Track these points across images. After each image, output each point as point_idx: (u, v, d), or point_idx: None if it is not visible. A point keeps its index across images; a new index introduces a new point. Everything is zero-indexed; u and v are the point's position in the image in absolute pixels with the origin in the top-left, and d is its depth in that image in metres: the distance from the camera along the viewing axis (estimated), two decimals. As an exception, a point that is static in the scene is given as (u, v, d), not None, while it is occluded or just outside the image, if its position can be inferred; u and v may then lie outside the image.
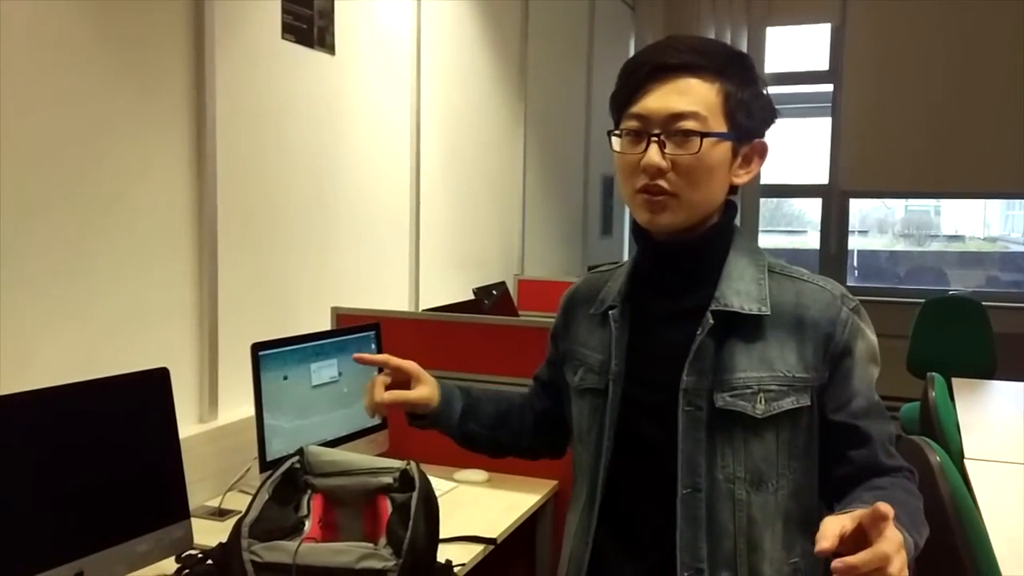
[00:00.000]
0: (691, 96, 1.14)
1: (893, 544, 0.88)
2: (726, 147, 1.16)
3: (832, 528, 0.88)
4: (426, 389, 1.29)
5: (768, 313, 1.16)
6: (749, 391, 1.14)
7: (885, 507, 0.88)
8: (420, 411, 1.31)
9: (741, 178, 1.20)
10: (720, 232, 1.22)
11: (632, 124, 1.17)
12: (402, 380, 1.29)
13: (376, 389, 1.26)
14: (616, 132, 1.20)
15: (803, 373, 1.15)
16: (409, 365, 1.29)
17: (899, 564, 0.88)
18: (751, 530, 1.15)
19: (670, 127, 1.14)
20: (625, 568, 1.22)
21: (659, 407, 1.17)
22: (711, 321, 1.16)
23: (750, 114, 1.17)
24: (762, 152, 1.21)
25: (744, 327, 1.16)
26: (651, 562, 1.18)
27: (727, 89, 1.15)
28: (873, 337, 1.19)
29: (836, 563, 0.86)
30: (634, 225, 1.24)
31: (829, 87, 5.84)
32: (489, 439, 1.41)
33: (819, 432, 1.18)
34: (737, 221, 1.27)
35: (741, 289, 1.18)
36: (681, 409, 1.16)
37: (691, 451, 1.15)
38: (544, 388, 1.45)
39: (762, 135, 1.21)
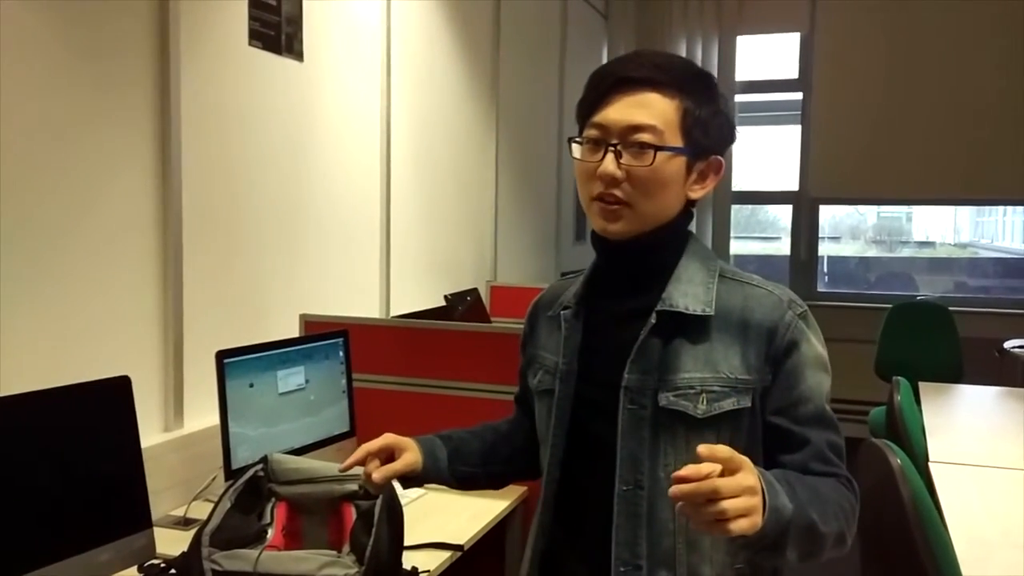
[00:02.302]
0: (650, 110, 1.17)
1: (732, 484, 0.92)
2: (680, 162, 1.20)
3: (691, 468, 0.92)
4: (409, 455, 1.28)
5: (712, 314, 1.19)
6: (692, 391, 1.16)
7: (703, 448, 0.93)
8: (410, 475, 1.30)
9: (696, 193, 1.24)
10: (673, 236, 1.25)
11: (592, 133, 1.21)
12: (386, 455, 1.28)
13: (372, 476, 1.24)
14: (577, 140, 1.24)
15: (745, 375, 1.17)
16: (384, 441, 1.27)
17: (738, 504, 0.92)
18: (690, 529, 1.16)
19: (627, 138, 1.17)
20: (575, 565, 1.24)
21: (606, 406, 1.20)
22: (653, 320, 1.19)
23: (707, 132, 1.21)
24: (717, 169, 1.24)
25: (690, 328, 1.19)
26: (599, 559, 1.19)
27: (686, 106, 1.19)
28: (820, 345, 1.21)
29: (672, 489, 0.92)
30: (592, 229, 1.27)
31: (799, 95, 5.91)
32: (484, 475, 1.41)
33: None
34: (709, 227, 1.29)
35: (689, 291, 1.20)
36: (623, 407, 1.18)
37: (634, 449, 1.18)
38: (524, 406, 1.46)
39: (719, 153, 1.24)
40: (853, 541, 1.17)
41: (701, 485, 0.91)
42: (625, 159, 1.17)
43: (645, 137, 1.16)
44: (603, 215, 1.20)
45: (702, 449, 0.93)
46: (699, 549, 1.17)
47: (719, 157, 1.24)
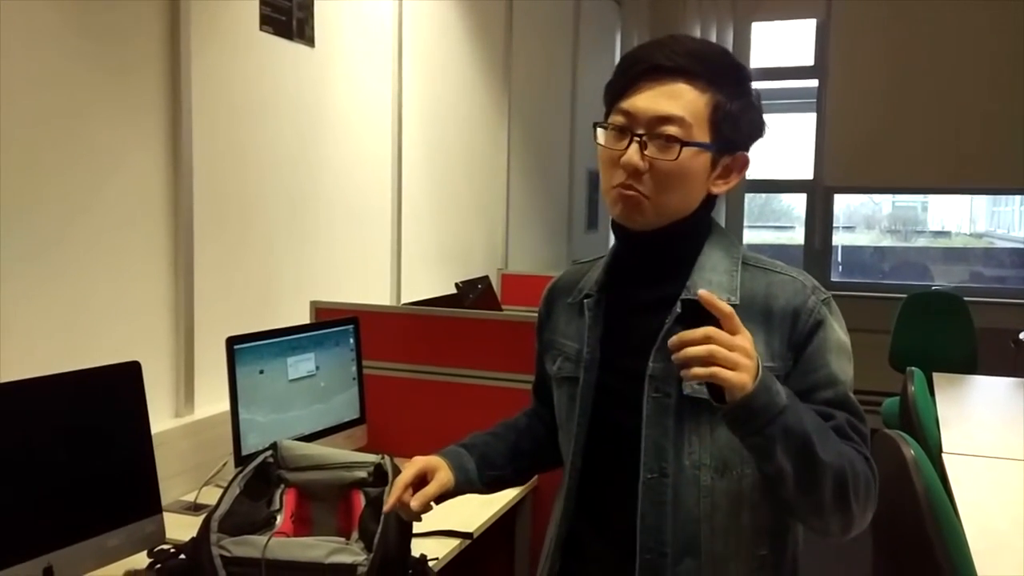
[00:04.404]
0: (680, 101, 1.15)
1: (725, 336, 0.98)
2: (706, 157, 1.17)
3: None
4: (441, 474, 1.27)
5: (737, 303, 1.17)
6: None
7: (704, 293, 1.00)
8: (444, 494, 1.28)
9: (719, 188, 1.22)
10: (695, 225, 1.23)
11: (618, 120, 1.18)
12: (419, 481, 1.26)
13: (410, 505, 1.22)
14: (602, 125, 1.22)
15: (769, 362, 1.15)
16: (415, 470, 1.25)
17: (728, 354, 0.98)
18: (715, 516, 1.16)
19: (654, 129, 1.15)
20: (599, 552, 1.24)
21: (630, 394, 1.19)
22: (679, 310, 1.17)
23: (736, 127, 1.18)
24: (743, 165, 1.22)
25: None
26: (623, 546, 1.18)
27: (717, 99, 1.16)
28: (843, 332, 1.19)
29: (672, 338, 1.00)
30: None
31: (814, 82, 5.86)
32: (513, 474, 1.40)
33: None
34: (723, 216, 1.27)
35: (713, 280, 1.19)
36: (647, 395, 1.17)
37: (658, 437, 1.17)
38: (542, 395, 1.44)
39: (746, 148, 1.22)
40: (865, 531, 1.15)
41: (697, 330, 0.98)
42: (650, 151, 1.15)
43: (672, 130, 1.14)
44: (622, 204, 1.18)
45: (703, 293, 1.00)
46: (723, 537, 1.16)
47: (746, 153, 1.22)
